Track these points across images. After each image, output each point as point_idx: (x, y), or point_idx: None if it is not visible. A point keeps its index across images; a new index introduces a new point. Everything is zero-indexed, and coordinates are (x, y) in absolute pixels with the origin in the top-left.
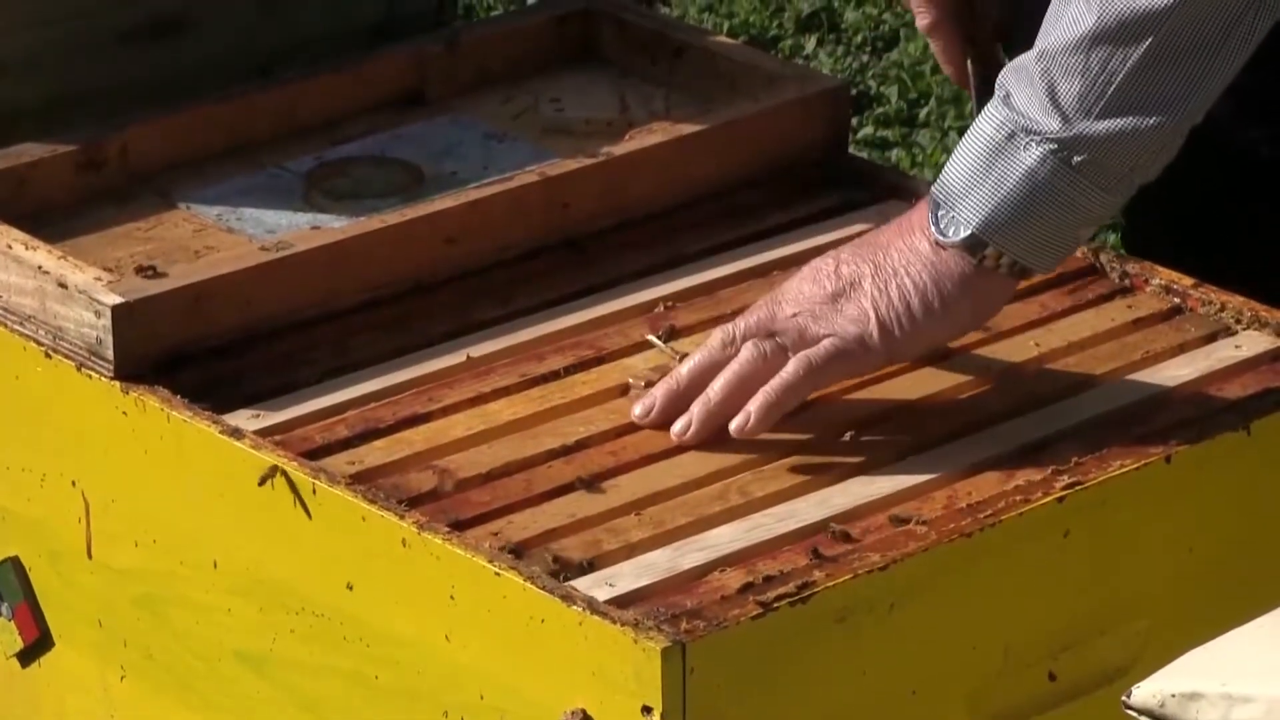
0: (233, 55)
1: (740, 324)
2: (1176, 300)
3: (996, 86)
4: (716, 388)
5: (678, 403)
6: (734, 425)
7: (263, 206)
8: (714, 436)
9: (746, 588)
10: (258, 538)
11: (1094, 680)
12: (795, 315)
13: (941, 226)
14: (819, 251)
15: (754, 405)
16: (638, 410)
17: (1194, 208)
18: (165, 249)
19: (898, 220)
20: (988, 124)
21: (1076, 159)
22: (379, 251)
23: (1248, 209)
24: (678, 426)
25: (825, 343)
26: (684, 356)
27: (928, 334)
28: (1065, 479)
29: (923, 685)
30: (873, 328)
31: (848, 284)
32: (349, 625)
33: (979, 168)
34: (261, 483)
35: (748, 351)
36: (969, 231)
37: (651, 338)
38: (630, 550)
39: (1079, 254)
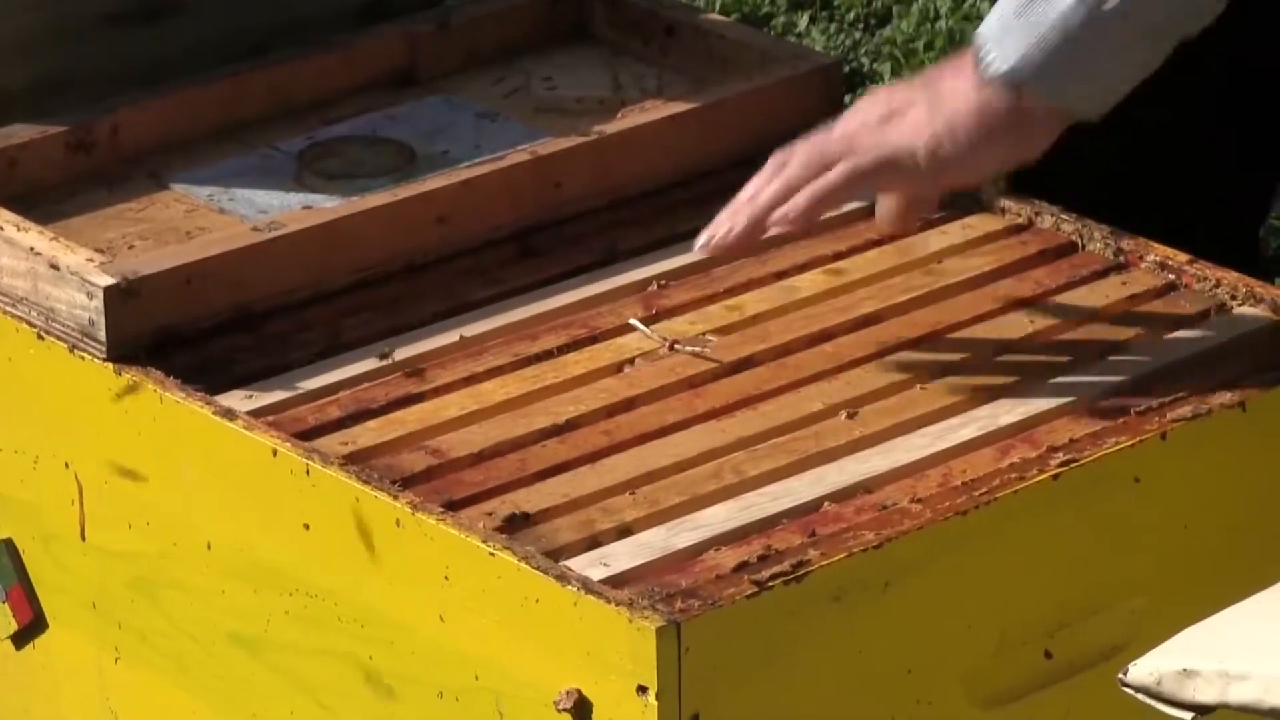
0: (224, 36)
1: (791, 149)
2: (1171, 277)
3: None
4: (765, 193)
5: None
6: (776, 215)
7: (254, 187)
8: (752, 239)
9: (741, 566)
10: (251, 519)
11: (1090, 658)
12: (845, 134)
13: (983, 65)
14: (812, 230)
15: (799, 197)
16: (700, 241)
17: (1105, 188)
18: (157, 230)
19: (951, 59)
20: None
21: (1107, 5)
22: (371, 231)
23: (1149, 185)
24: (719, 231)
25: (873, 152)
26: (672, 341)
27: (972, 159)
28: (1060, 456)
29: (918, 664)
30: (920, 143)
31: (897, 109)
32: (343, 607)
33: (1018, 8)
34: None
35: (797, 161)
36: (1006, 68)
37: (634, 321)
38: (624, 530)
39: (1072, 231)
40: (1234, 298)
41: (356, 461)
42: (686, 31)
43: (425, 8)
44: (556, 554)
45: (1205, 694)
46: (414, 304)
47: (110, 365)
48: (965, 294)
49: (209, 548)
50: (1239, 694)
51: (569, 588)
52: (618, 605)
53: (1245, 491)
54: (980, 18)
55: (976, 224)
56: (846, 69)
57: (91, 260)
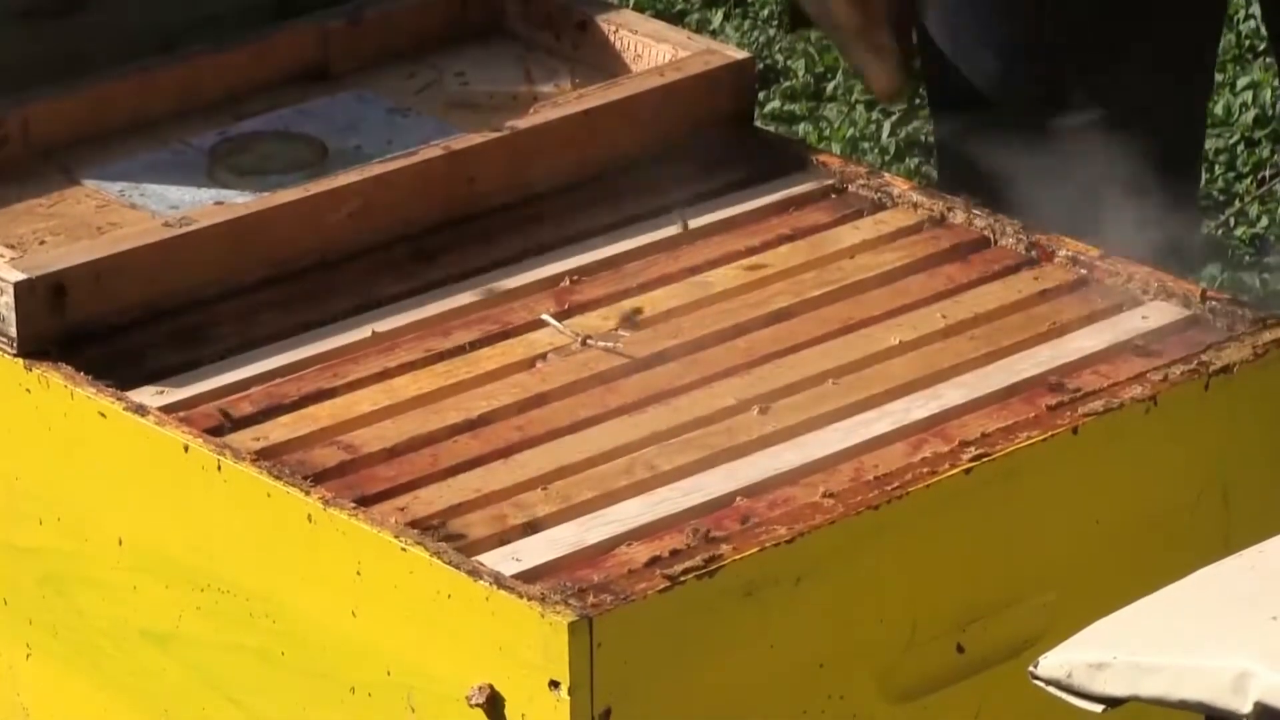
0: (137, 31)
1: None
2: (1083, 271)
3: None
4: None
5: None
6: None
7: (166, 182)
8: None
9: (653, 561)
10: (163, 515)
11: (1002, 652)
12: None
13: None
14: (726, 225)
15: None
16: None
17: None
18: (68, 225)
19: None
20: None
21: None
22: (283, 227)
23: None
24: None
25: None
26: (584, 337)
27: None
28: (972, 451)
29: (830, 658)
30: None
31: None
32: (255, 602)
33: None
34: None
35: None
36: None
37: (547, 317)
38: (536, 525)
39: (985, 226)
40: (1145, 292)
41: (268, 457)
42: (599, 27)
43: (338, 3)
44: (469, 549)
45: (1116, 686)
46: (326, 299)
47: (20, 361)
48: (878, 289)
49: (120, 544)
50: (1149, 686)
51: (481, 583)
52: (530, 600)
53: (1155, 485)
54: None
55: (889, 219)
56: (761, 65)
57: (1, 256)
